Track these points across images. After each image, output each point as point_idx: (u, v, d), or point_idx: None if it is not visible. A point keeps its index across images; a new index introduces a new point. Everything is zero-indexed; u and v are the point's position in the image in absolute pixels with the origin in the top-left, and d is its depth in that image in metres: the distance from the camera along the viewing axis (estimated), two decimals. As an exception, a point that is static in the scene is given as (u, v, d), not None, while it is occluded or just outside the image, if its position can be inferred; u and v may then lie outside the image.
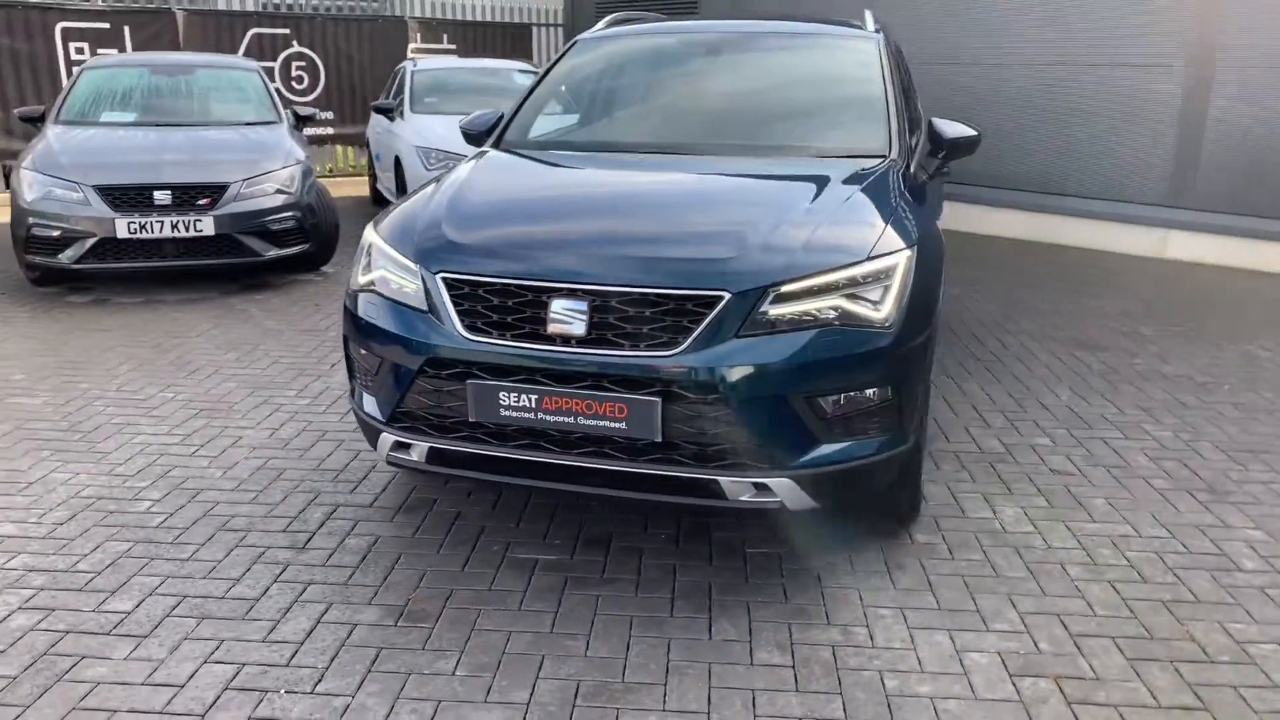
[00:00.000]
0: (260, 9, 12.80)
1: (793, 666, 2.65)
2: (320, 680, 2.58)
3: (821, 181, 3.37)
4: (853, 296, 2.87)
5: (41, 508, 3.54)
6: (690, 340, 2.75)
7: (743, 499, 2.83)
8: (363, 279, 3.22)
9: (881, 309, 2.89)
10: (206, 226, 6.40)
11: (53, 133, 6.92)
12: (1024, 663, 2.68)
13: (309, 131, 11.00)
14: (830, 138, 3.89)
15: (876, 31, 4.37)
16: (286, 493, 3.68)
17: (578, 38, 4.60)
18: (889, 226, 3.08)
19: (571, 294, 2.83)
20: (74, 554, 3.21)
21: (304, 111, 8.02)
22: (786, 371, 2.76)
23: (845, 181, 3.38)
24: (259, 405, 4.57)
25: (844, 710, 2.47)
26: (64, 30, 10.69)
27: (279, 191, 6.70)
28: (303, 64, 12.29)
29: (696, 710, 2.47)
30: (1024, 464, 4.01)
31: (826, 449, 2.86)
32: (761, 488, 2.80)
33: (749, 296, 2.78)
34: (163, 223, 6.32)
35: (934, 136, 3.98)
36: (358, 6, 14.14)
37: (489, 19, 14.21)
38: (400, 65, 10.46)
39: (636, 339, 2.78)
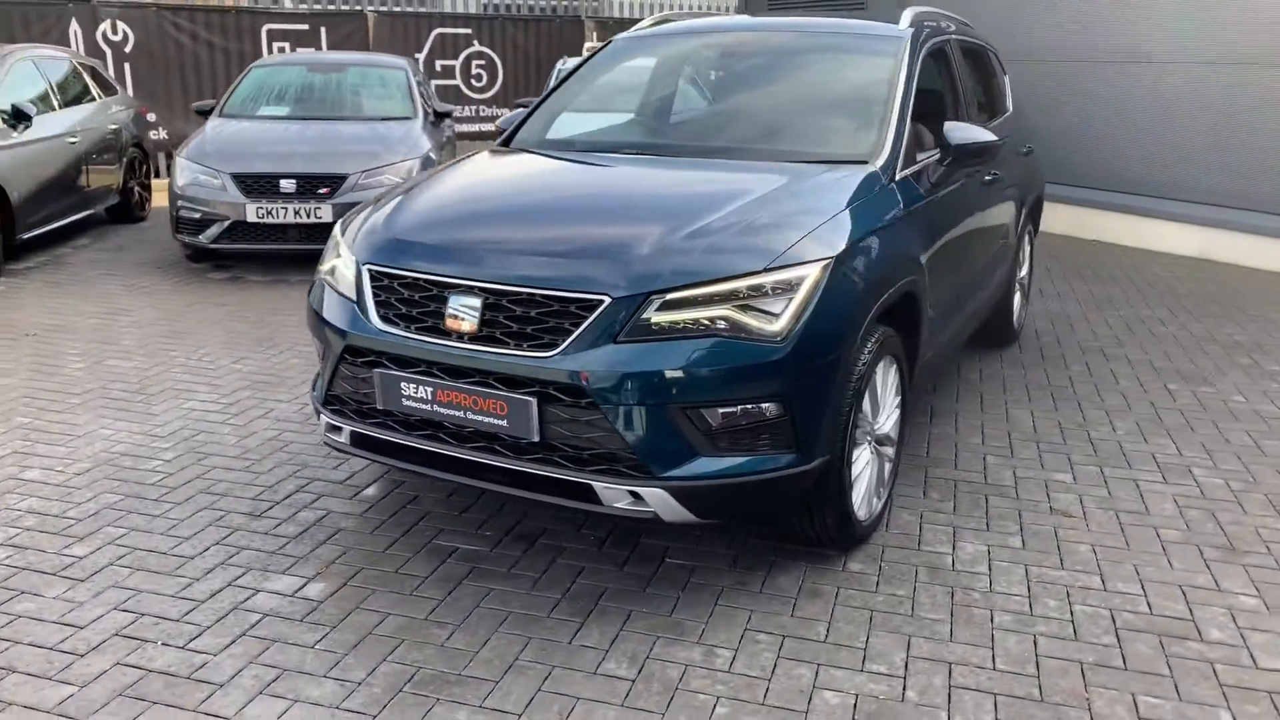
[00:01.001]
0: (445, 10, 13.54)
1: (633, 681, 2.60)
2: (195, 639, 2.77)
3: (767, 186, 3.24)
4: (747, 307, 2.76)
5: (71, 459, 3.97)
6: (568, 343, 2.75)
7: (617, 506, 2.79)
8: (323, 268, 3.41)
9: (777, 322, 2.77)
10: (325, 214, 6.89)
11: (210, 125, 7.67)
12: (875, 709, 2.50)
13: (472, 128, 11.56)
14: (814, 142, 3.72)
15: (911, 28, 4.12)
16: (279, 464, 3.95)
17: (615, 37, 4.62)
18: (809, 236, 2.93)
19: (468, 290, 2.89)
20: (70, 501, 3.59)
21: (442, 108, 8.45)
22: (664, 381, 2.70)
23: (792, 187, 3.24)
24: (305, 382, 4.91)
25: (656, 731, 2.41)
26: (269, 31, 11.75)
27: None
28: (482, 63, 12.91)
29: (510, 711, 2.47)
30: (1024, 500, 3.69)
31: (707, 462, 2.77)
32: (636, 496, 2.76)
33: (632, 302, 2.74)
34: (286, 209, 6.86)
35: (942, 142, 3.73)
36: (538, 7, 14.64)
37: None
38: (557, 64, 10.80)
39: (522, 339, 2.81)
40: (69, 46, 10.50)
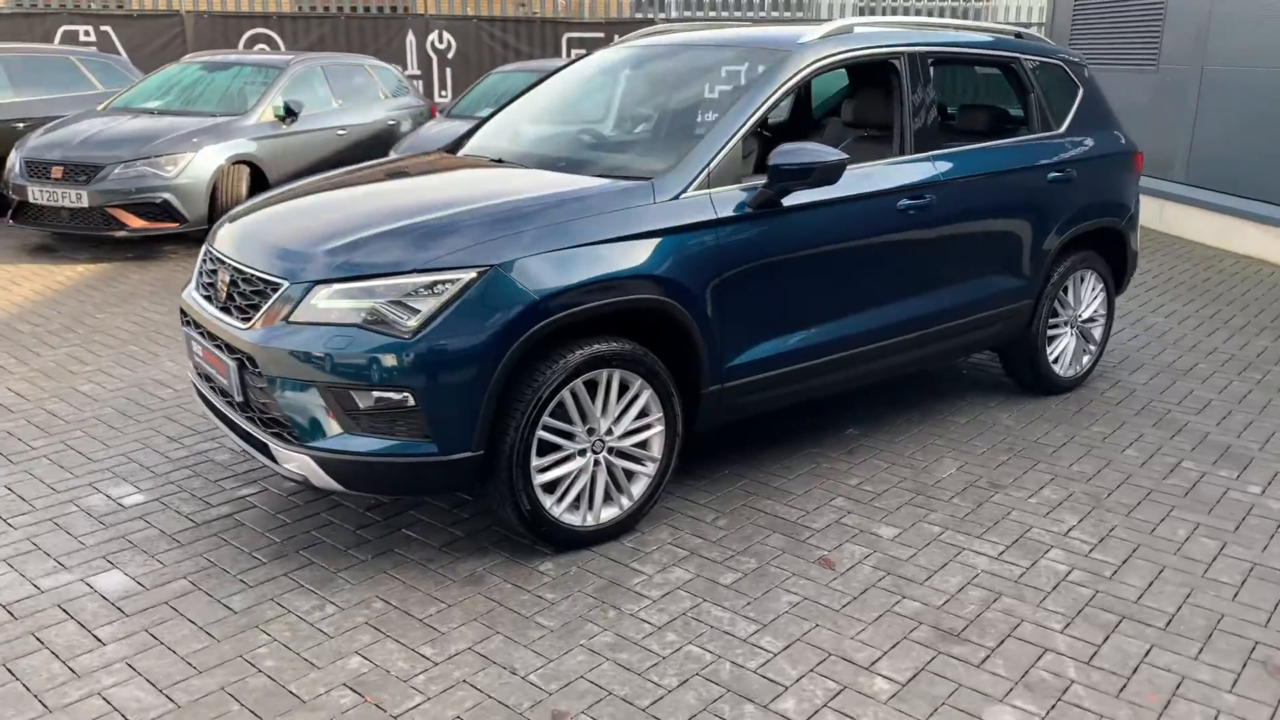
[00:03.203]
0: (633, 17, 13.95)
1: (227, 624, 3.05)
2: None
3: (521, 195, 3.45)
4: (398, 302, 3.06)
5: (89, 397, 5.10)
6: (255, 318, 3.23)
7: (286, 467, 3.24)
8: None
9: (415, 319, 3.04)
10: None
11: (428, 124, 8.87)
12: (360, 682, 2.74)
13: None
14: (621, 156, 3.79)
15: (803, 43, 3.95)
16: (243, 405, 4.79)
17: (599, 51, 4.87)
18: (481, 244, 3.15)
19: (224, 264, 3.48)
20: (72, 432, 4.70)
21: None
22: (310, 360, 3.10)
23: (543, 199, 3.42)
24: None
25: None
26: (569, 39, 12.98)
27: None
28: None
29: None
30: (796, 538, 3.52)
31: (349, 439, 3.13)
32: (295, 460, 3.18)
33: (302, 288, 3.16)
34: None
35: (763, 163, 3.62)
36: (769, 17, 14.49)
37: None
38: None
39: (240, 311, 3.34)
40: (406, 53, 12.44)
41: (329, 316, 3.12)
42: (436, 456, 3.11)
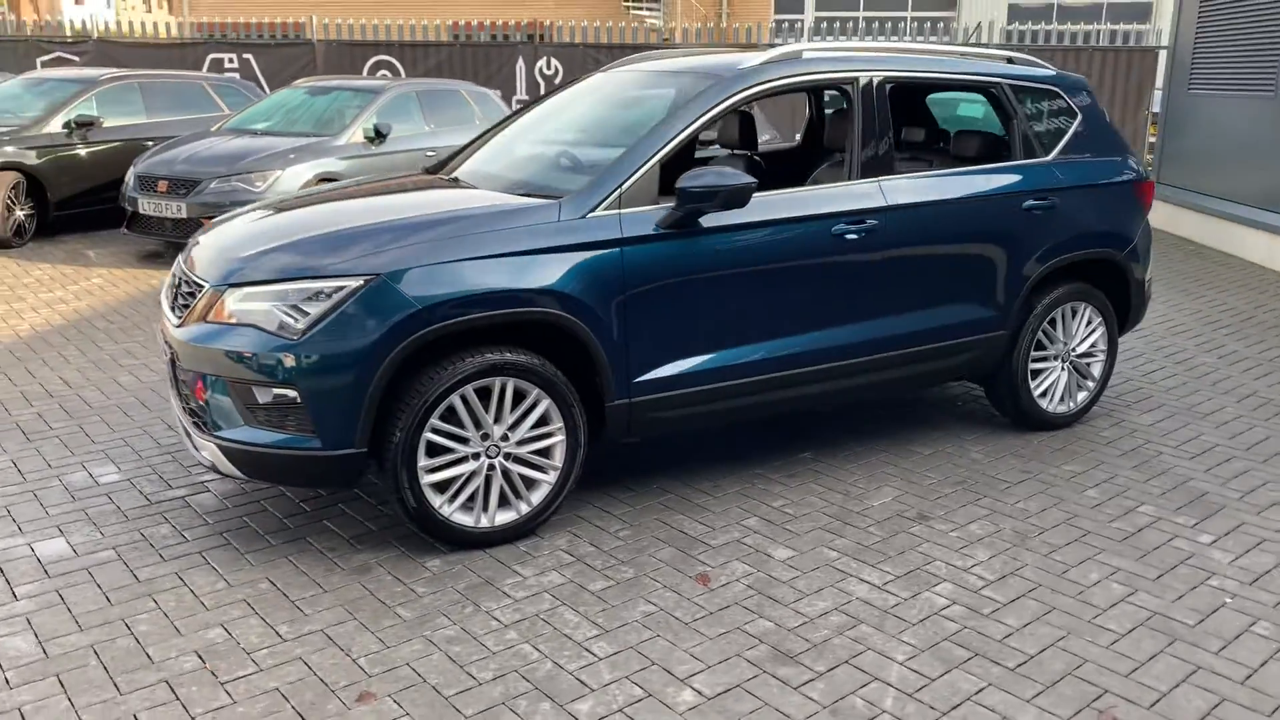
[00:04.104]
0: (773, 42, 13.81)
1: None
2: None
3: (417, 210, 3.67)
4: (293, 306, 3.33)
5: (122, 387, 5.61)
6: (186, 317, 3.57)
7: (200, 454, 3.55)
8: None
9: (304, 322, 3.29)
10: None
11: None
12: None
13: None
14: (546, 175, 3.94)
15: (739, 69, 4.02)
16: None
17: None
18: (373, 254, 3.39)
19: (180, 271, 3.84)
20: (90, 417, 5.21)
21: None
22: (215, 356, 3.41)
23: (457, 213, 3.64)
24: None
25: (91, 612, 3.18)
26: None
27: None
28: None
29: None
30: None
31: (248, 430, 3.41)
32: (207, 448, 3.49)
33: (219, 291, 3.47)
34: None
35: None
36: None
37: (1091, 44, 12.98)
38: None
39: (179, 312, 3.68)
40: (515, 78, 12.98)
41: (236, 317, 3.41)
42: (321, 451, 3.35)
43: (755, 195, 3.97)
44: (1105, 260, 4.84)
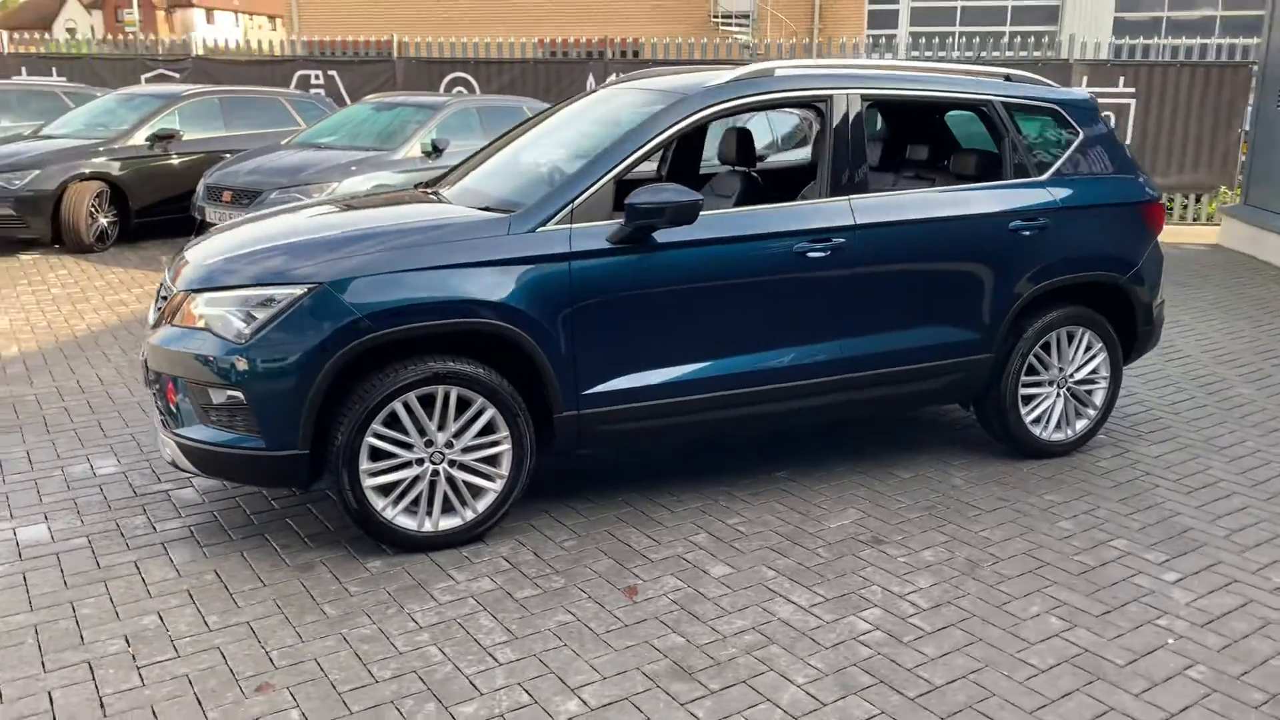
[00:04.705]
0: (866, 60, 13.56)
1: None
2: None
3: (376, 223, 3.81)
4: (245, 312, 3.50)
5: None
6: (158, 320, 3.77)
7: (164, 451, 3.75)
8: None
9: (250, 327, 3.45)
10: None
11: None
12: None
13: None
14: (508, 190, 4.00)
15: (732, 83, 4.06)
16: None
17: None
18: (317, 264, 3.53)
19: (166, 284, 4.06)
20: (110, 413, 5.51)
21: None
22: (172, 357, 3.61)
23: (378, 226, 3.80)
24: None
25: None
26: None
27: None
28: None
29: None
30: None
31: (203, 429, 3.59)
32: (169, 445, 3.68)
33: (183, 295, 3.66)
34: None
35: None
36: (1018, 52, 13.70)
37: (1178, 59, 12.44)
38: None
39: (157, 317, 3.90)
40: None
41: (195, 321, 3.59)
42: (265, 451, 3.49)
43: (718, 212, 4.00)
44: (1105, 284, 4.67)
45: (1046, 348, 4.61)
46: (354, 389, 3.51)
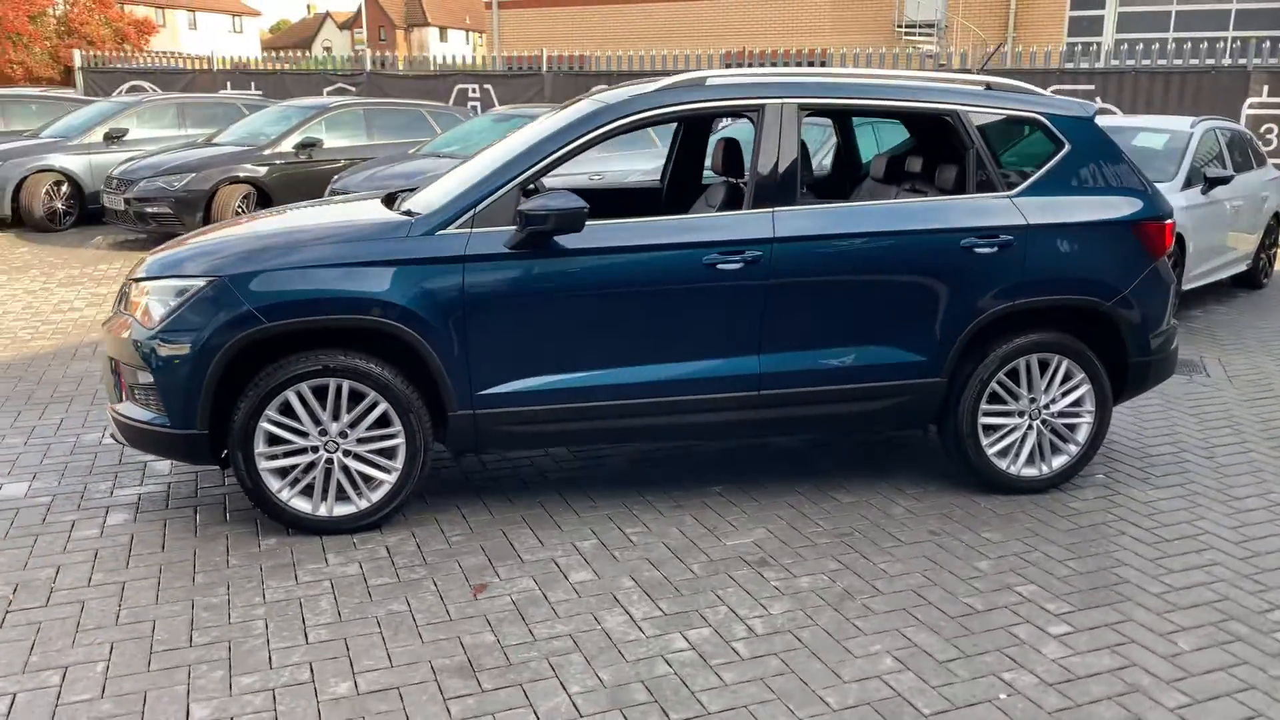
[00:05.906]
0: (1063, 67, 12.64)
1: None
2: None
3: (297, 224, 4.06)
4: (162, 301, 3.84)
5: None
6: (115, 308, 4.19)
7: (107, 422, 4.14)
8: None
9: (158, 313, 3.78)
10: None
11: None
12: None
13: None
14: (440, 195, 4.11)
15: (659, 91, 4.07)
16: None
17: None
18: (222, 259, 3.82)
19: (140, 276, 4.49)
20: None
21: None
22: (113, 341, 3.99)
23: (293, 227, 4.10)
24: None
25: (-15, 542, 3.84)
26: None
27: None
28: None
29: None
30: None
31: (129, 406, 3.96)
32: (108, 417, 4.09)
33: (135, 284, 4.04)
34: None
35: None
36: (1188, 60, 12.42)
37: None
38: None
39: (124, 304, 4.32)
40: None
41: (135, 309, 3.96)
42: (171, 429, 3.81)
43: (622, 220, 4.00)
44: (1085, 309, 4.28)
45: (1015, 375, 4.28)
46: (246, 375, 3.76)
